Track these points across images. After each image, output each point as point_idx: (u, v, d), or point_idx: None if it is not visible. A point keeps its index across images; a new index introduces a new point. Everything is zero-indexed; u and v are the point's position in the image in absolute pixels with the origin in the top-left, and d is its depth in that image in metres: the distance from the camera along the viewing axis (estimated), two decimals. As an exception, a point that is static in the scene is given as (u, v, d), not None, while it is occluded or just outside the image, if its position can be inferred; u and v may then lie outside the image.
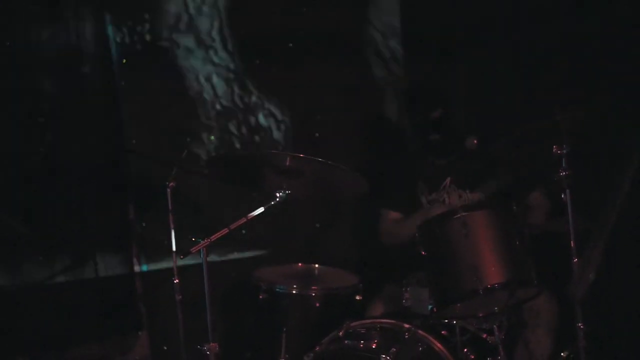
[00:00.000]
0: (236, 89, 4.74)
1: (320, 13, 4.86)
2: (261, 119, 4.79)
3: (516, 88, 4.49)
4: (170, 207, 3.73)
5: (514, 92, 4.50)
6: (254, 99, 4.77)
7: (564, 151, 3.28)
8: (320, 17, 4.85)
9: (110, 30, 4.48)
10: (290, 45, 4.81)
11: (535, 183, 3.90)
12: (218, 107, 4.72)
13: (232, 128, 4.74)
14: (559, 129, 3.25)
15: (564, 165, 3.28)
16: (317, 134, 4.89)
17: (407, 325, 3.39)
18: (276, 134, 4.81)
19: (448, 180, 4.06)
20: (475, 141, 3.93)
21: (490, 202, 3.82)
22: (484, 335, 3.39)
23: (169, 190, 3.75)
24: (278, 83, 4.81)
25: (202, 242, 3.37)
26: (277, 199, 3.49)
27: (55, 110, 4.40)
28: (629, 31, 3.89)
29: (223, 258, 4.58)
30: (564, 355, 3.45)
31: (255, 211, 3.44)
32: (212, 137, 4.68)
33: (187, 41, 4.65)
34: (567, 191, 3.26)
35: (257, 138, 4.78)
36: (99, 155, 4.48)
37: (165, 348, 4.52)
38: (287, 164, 3.41)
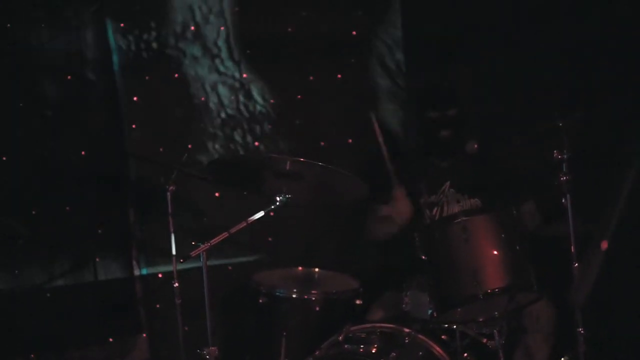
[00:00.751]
0: (241, 98, 4.75)
1: (321, 18, 4.87)
2: (266, 127, 4.79)
3: (516, 91, 4.49)
4: (170, 211, 3.74)
5: (514, 95, 4.50)
6: (259, 107, 4.77)
7: (565, 156, 3.29)
8: (321, 22, 4.86)
9: (111, 35, 4.48)
10: (292, 50, 4.82)
11: (531, 192, 3.90)
12: (223, 115, 4.72)
13: (237, 137, 4.74)
14: (559, 134, 3.25)
15: (564, 170, 3.29)
16: (317, 138, 4.88)
17: (407, 330, 3.39)
18: (282, 144, 4.81)
19: (447, 184, 4.06)
20: (476, 145, 3.94)
21: (490, 207, 3.82)
22: (484, 340, 3.39)
23: (169, 193, 3.75)
24: (282, 89, 4.81)
25: (202, 245, 3.37)
26: (278, 203, 3.49)
27: (56, 114, 4.40)
28: (630, 32, 3.89)
29: (223, 262, 4.58)
30: (564, 360, 3.45)
31: (256, 215, 3.44)
32: (217, 146, 4.68)
33: (194, 49, 4.65)
34: (568, 196, 3.27)
35: (262, 147, 4.78)
36: (99, 158, 4.48)
37: (165, 351, 4.51)
38: (288, 167, 3.41)
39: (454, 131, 3.96)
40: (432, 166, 4.12)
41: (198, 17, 4.66)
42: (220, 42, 4.71)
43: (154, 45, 4.57)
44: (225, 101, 4.72)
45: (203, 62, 4.67)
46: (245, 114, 4.76)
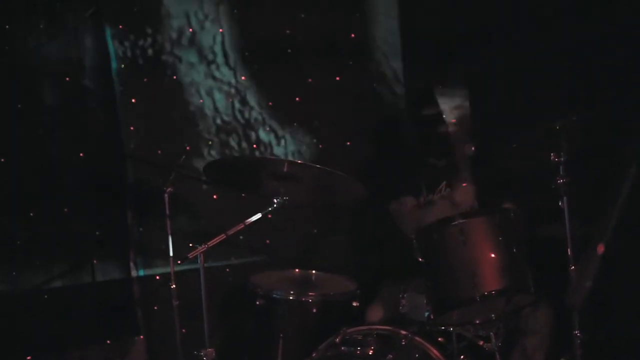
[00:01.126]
0: (237, 104, 4.75)
1: (319, 20, 4.87)
2: (262, 134, 4.79)
3: (514, 92, 4.49)
4: (167, 213, 3.74)
5: (512, 96, 4.50)
6: (254, 114, 4.78)
7: (562, 158, 3.29)
8: (319, 24, 4.86)
9: (110, 41, 4.49)
10: (289, 51, 4.82)
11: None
12: (218, 121, 4.72)
13: (233, 143, 4.74)
14: (557, 136, 3.26)
15: (561, 172, 3.29)
16: (315, 140, 4.89)
17: (403, 332, 3.39)
18: (277, 149, 4.81)
19: (444, 184, 4.06)
20: (473, 148, 3.94)
21: (487, 209, 3.82)
22: (481, 342, 3.39)
23: (166, 195, 3.76)
24: (280, 91, 4.82)
25: (199, 247, 3.38)
26: (275, 205, 3.49)
27: (55, 116, 4.41)
28: (630, 32, 3.89)
29: (220, 263, 4.58)
30: (561, 363, 3.45)
31: (253, 217, 3.44)
32: (213, 152, 4.69)
33: (190, 55, 4.66)
34: (565, 198, 3.27)
35: (257, 153, 4.78)
36: (97, 160, 4.48)
37: (162, 353, 4.51)
38: (285, 169, 3.41)
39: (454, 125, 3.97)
40: (430, 167, 4.12)
41: (194, 23, 4.66)
42: (217, 48, 4.71)
43: (150, 51, 4.58)
44: (221, 107, 4.72)
45: (199, 68, 4.68)
46: (241, 120, 4.76)
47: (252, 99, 4.77)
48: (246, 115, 4.76)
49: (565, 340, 3.32)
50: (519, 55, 4.44)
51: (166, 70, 4.61)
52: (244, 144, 4.76)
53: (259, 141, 4.78)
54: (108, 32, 4.49)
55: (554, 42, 4.27)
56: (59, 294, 4.39)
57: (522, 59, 4.43)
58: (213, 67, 4.71)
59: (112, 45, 4.50)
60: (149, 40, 4.58)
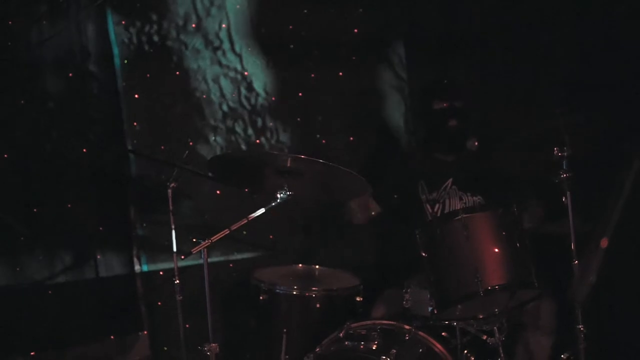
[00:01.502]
0: (243, 90, 4.75)
1: (322, 16, 4.86)
2: (267, 120, 4.79)
3: (517, 89, 4.49)
4: (171, 208, 3.74)
5: (514, 93, 4.50)
6: (260, 100, 4.78)
7: (565, 154, 3.29)
8: (322, 20, 4.86)
9: (112, 30, 4.49)
10: (292, 46, 4.82)
11: (534, 194, 3.91)
12: (225, 108, 4.72)
13: (239, 129, 4.74)
14: (560, 132, 3.26)
15: (565, 167, 3.29)
16: (318, 135, 4.88)
17: (407, 327, 3.39)
18: (282, 136, 4.81)
19: (450, 181, 4.06)
20: (477, 142, 3.94)
21: (491, 204, 3.82)
22: (484, 337, 3.39)
23: (169, 190, 3.76)
24: (283, 86, 4.81)
25: (202, 242, 3.38)
26: (278, 200, 3.49)
27: (58, 111, 4.41)
28: (631, 31, 3.89)
29: (224, 259, 4.58)
30: (564, 357, 3.45)
31: (256, 212, 3.44)
32: (218, 138, 4.68)
33: (196, 42, 4.65)
34: (568, 193, 3.27)
35: (263, 140, 4.78)
36: (100, 156, 4.48)
37: (166, 348, 4.52)
38: (288, 165, 3.41)
39: (460, 123, 3.97)
40: (434, 162, 4.12)
41: (200, 10, 4.66)
42: (222, 35, 4.70)
43: (156, 38, 4.57)
44: (227, 94, 4.72)
45: (205, 55, 4.67)
46: (247, 106, 4.76)
47: (257, 86, 4.77)
48: (252, 101, 4.76)
49: (569, 335, 3.33)
50: (519, 53, 4.45)
51: (172, 57, 4.60)
52: (250, 131, 4.76)
53: (265, 128, 4.78)
54: (111, 23, 4.48)
55: (556, 39, 4.28)
56: (63, 290, 4.40)
57: (523, 57, 4.44)
58: (219, 53, 4.71)
59: (114, 35, 4.49)
60: (155, 27, 4.57)
